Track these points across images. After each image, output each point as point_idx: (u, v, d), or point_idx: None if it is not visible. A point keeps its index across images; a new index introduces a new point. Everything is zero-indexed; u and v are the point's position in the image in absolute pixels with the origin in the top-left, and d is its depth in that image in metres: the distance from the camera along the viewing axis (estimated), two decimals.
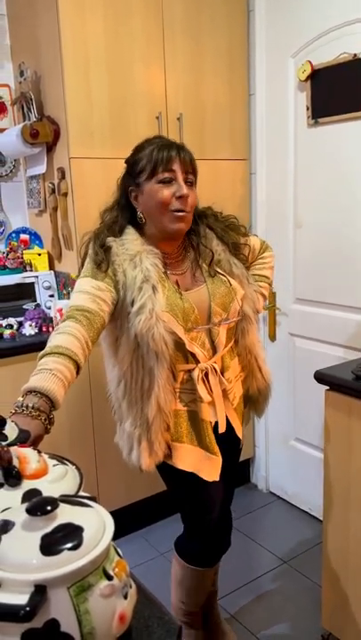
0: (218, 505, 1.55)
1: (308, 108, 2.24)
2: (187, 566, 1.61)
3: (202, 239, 1.48)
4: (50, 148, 2.25)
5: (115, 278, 1.33)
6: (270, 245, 1.70)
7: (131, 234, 1.40)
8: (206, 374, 1.40)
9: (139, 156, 1.39)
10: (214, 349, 1.43)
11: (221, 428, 1.45)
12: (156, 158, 1.35)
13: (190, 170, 1.38)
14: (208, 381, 1.41)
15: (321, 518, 1.75)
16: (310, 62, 2.16)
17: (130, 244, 1.37)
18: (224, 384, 1.44)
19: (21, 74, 2.33)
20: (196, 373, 1.39)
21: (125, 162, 1.44)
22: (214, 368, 1.42)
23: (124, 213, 1.43)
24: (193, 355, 1.38)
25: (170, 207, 1.35)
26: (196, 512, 1.55)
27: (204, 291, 1.42)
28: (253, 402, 1.60)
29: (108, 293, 1.31)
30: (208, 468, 1.43)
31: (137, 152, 1.41)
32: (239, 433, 1.52)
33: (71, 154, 2.12)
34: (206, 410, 1.41)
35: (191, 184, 1.39)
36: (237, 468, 1.74)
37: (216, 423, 1.45)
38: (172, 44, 2.27)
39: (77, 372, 1.14)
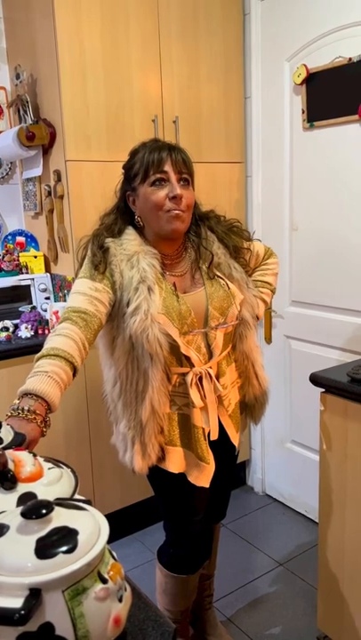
0: (202, 510, 1.54)
1: (303, 112, 2.25)
2: (169, 574, 1.60)
3: (203, 241, 1.46)
4: (46, 151, 2.25)
5: (112, 279, 1.33)
6: (275, 253, 1.68)
7: (130, 234, 1.39)
8: (200, 379, 1.39)
9: (133, 161, 1.39)
10: (210, 354, 1.41)
11: (213, 436, 1.43)
12: (147, 161, 1.35)
13: (184, 170, 1.36)
14: (202, 387, 1.39)
15: (317, 520, 1.76)
16: (306, 66, 2.17)
17: (128, 244, 1.37)
18: (219, 390, 1.42)
19: (17, 76, 2.33)
20: (189, 378, 1.37)
21: (122, 167, 1.44)
22: (209, 373, 1.40)
23: (123, 217, 1.43)
24: (188, 358, 1.37)
25: (164, 208, 1.34)
26: (182, 516, 1.54)
27: (202, 294, 1.40)
28: (250, 409, 1.58)
29: (105, 294, 1.30)
30: (197, 473, 1.41)
31: (132, 156, 1.41)
32: (234, 440, 1.50)
33: (67, 156, 2.12)
34: (198, 415, 1.39)
35: (187, 183, 1.37)
36: (233, 474, 1.73)
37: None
38: (168, 47, 2.27)
39: (74, 375, 1.14)
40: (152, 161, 1.34)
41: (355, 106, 2.03)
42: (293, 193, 2.39)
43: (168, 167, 1.34)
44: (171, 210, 1.34)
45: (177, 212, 1.34)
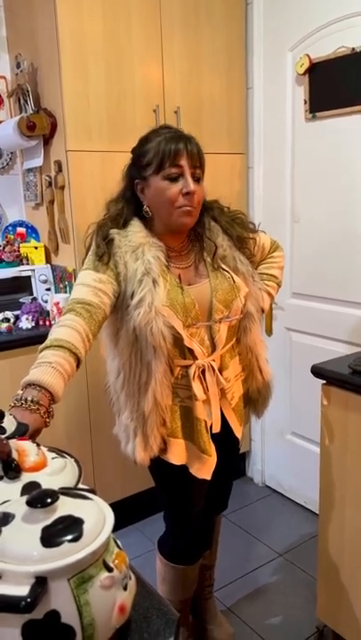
0: (203, 502, 1.55)
1: (305, 102, 2.24)
2: (169, 564, 1.61)
3: (206, 232, 1.45)
4: (47, 141, 2.24)
5: (116, 270, 1.32)
6: (281, 245, 1.67)
7: (135, 226, 1.38)
8: (203, 372, 1.38)
9: (146, 148, 1.35)
10: (214, 347, 1.40)
11: (215, 429, 1.43)
12: (163, 152, 1.31)
13: (198, 164, 1.35)
14: (205, 379, 1.39)
15: (317, 511, 1.76)
16: (308, 56, 2.16)
17: (133, 235, 1.36)
18: (222, 383, 1.41)
19: (18, 65, 2.31)
20: (192, 370, 1.37)
21: (132, 152, 1.41)
22: (212, 366, 1.39)
23: (129, 206, 1.41)
24: (191, 351, 1.36)
25: (176, 204, 1.33)
26: (182, 507, 1.55)
27: (206, 286, 1.39)
28: (253, 402, 1.58)
29: (109, 285, 1.30)
30: (199, 465, 1.41)
31: (144, 143, 1.37)
32: (237, 433, 1.50)
33: (68, 147, 2.11)
34: (201, 408, 1.39)
35: (198, 179, 1.36)
36: (234, 466, 1.73)
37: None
38: (170, 37, 2.25)
39: (78, 366, 1.14)
40: (168, 153, 1.31)
41: (358, 96, 2.02)
42: (295, 184, 2.38)
43: (184, 161, 1.32)
44: (183, 206, 1.33)
45: (189, 208, 1.34)
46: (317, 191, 2.28)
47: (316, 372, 1.61)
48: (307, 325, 2.42)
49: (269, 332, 2.58)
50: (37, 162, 2.31)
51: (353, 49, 2.00)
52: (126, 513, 2.41)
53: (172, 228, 1.39)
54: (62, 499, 0.61)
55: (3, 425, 0.88)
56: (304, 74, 2.19)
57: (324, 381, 1.60)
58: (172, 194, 1.32)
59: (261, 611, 1.98)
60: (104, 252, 1.33)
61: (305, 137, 2.30)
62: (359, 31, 1.99)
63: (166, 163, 1.31)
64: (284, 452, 2.65)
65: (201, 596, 1.85)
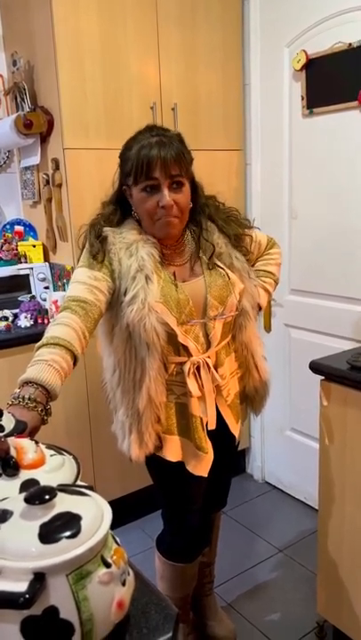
0: (200, 500, 1.55)
1: (302, 98, 2.24)
2: (167, 562, 1.61)
3: (203, 232, 1.44)
4: (44, 139, 2.23)
5: (111, 267, 1.32)
6: (278, 243, 1.67)
7: (129, 223, 1.38)
8: (198, 369, 1.38)
9: (127, 156, 1.34)
10: (208, 344, 1.40)
11: (211, 425, 1.42)
12: (137, 164, 1.29)
13: (175, 171, 1.29)
14: (200, 376, 1.38)
15: (316, 507, 1.77)
16: (305, 51, 2.15)
17: (127, 233, 1.36)
18: (217, 380, 1.41)
19: (14, 63, 2.31)
20: (187, 367, 1.36)
21: (119, 157, 1.41)
22: (207, 363, 1.39)
23: (121, 208, 1.41)
24: (185, 347, 1.36)
25: (155, 217, 1.32)
26: (180, 505, 1.55)
27: (200, 282, 1.39)
28: (250, 400, 1.57)
29: (104, 283, 1.30)
30: (195, 462, 1.41)
31: (127, 150, 1.36)
32: (234, 430, 1.50)
33: (65, 144, 2.10)
34: (196, 405, 1.38)
35: (180, 185, 1.32)
36: (233, 463, 1.73)
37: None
38: (167, 34, 2.25)
39: (74, 363, 1.14)
40: (141, 165, 1.28)
41: (355, 92, 2.02)
42: (293, 181, 2.38)
43: (158, 173, 1.28)
44: (161, 218, 1.32)
45: (169, 219, 1.32)
46: (315, 187, 2.28)
47: (315, 368, 1.61)
48: (305, 322, 2.42)
49: (268, 328, 2.58)
50: (34, 160, 2.31)
51: (350, 44, 2.00)
52: (126, 510, 2.42)
53: (157, 238, 1.37)
54: (60, 495, 0.62)
55: (1, 423, 0.88)
56: (301, 70, 2.19)
57: (323, 377, 1.60)
58: (149, 207, 1.32)
59: (262, 606, 1.98)
60: (98, 249, 1.33)
61: (302, 133, 2.29)
62: (356, 26, 1.99)
63: (141, 176, 1.30)
64: (284, 448, 2.66)
65: (201, 592, 1.85)
